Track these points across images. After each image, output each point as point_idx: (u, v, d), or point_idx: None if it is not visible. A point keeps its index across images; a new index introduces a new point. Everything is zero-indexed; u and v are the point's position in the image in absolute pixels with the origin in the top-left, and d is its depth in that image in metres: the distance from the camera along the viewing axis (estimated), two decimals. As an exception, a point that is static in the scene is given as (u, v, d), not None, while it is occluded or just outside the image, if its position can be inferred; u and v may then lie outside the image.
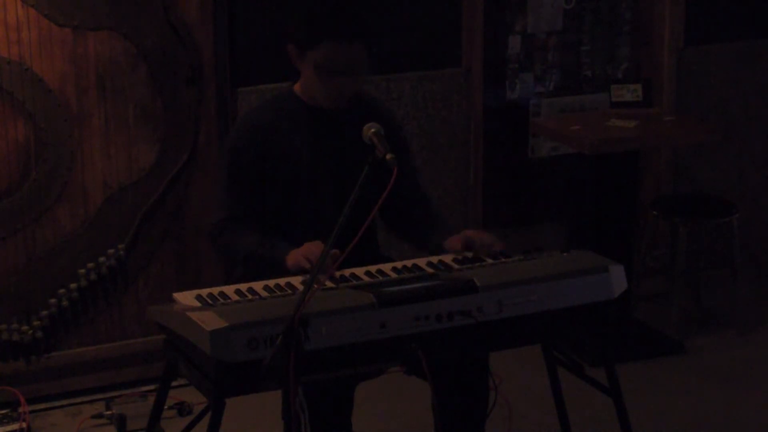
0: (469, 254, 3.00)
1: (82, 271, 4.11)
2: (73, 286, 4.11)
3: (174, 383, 3.07)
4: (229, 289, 2.79)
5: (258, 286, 2.81)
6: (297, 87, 3.14)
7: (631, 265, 4.54)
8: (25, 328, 4.07)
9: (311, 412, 2.82)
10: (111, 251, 4.14)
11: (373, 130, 2.78)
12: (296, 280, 2.83)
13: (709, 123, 5.01)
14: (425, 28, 4.62)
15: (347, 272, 2.88)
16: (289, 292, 2.76)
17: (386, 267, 2.94)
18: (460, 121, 4.74)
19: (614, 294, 2.86)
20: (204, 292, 2.78)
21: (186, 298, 2.76)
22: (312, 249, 2.86)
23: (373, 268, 2.92)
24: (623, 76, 5.12)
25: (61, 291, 4.10)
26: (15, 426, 3.89)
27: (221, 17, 4.17)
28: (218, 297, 2.74)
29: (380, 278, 2.85)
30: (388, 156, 2.70)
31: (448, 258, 3.00)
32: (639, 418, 3.71)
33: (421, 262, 2.98)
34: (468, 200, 4.82)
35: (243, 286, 2.80)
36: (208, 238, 3.20)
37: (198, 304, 2.71)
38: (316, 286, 2.50)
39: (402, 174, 2.66)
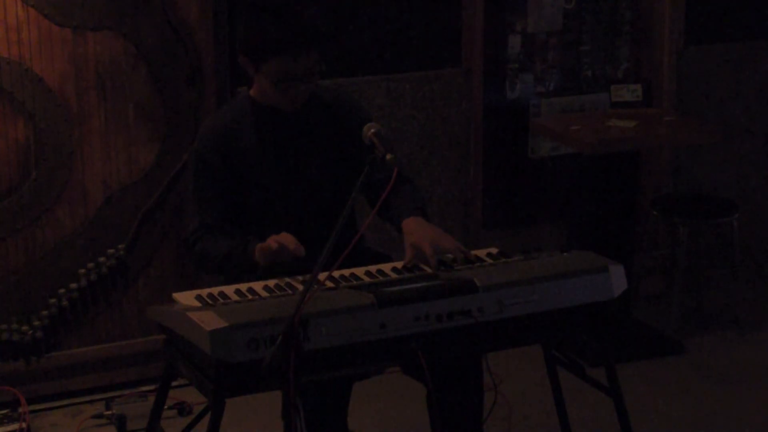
0: (450, 256, 2.96)
1: (82, 271, 4.11)
2: (73, 286, 4.11)
3: (174, 383, 3.07)
4: (229, 289, 2.79)
5: (258, 286, 2.81)
6: (253, 91, 3.14)
7: (631, 265, 4.54)
8: (25, 328, 4.07)
9: (307, 412, 2.83)
10: (111, 251, 4.14)
11: (373, 130, 2.79)
12: (296, 280, 2.83)
13: (709, 123, 5.01)
14: (425, 28, 4.62)
15: (347, 272, 2.88)
16: (289, 292, 2.76)
17: (386, 267, 2.94)
18: (460, 121, 4.74)
19: (614, 294, 2.85)
20: (204, 292, 2.78)
21: (186, 298, 2.76)
22: (279, 238, 2.86)
23: (373, 268, 2.92)
24: (623, 76, 5.12)
25: (61, 291, 4.10)
26: (15, 426, 3.89)
27: (221, 17, 4.17)
28: (218, 297, 2.75)
29: (380, 278, 2.85)
30: (388, 156, 2.71)
31: (448, 258, 3.00)
32: (639, 418, 3.71)
33: (421, 262, 2.98)
34: (468, 200, 4.82)
35: (243, 286, 2.81)
36: (184, 248, 3.19)
37: (198, 304, 2.71)
38: (315, 286, 2.50)
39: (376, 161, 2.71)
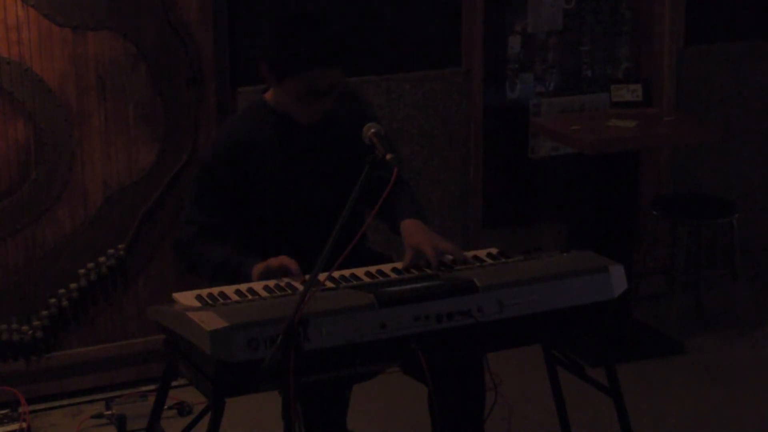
0: (449, 257, 2.96)
1: (82, 271, 4.11)
2: (73, 286, 4.11)
3: (174, 383, 3.07)
4: (229, 289, 2.79)
5: (258, 286, 2.81)
6: (269, 96, 3.10)
7: (631, 265, 4.54)
8: (25, 328, 4.07)
9: (305, 412, 2.82)
10: (111, 251, 4.14)
11: (373, 130, 2.78)
12: (296, 281, 2.83)
13: (709, 123, 5.01)
14: (425, 28, 4.62)
15: (347, 272, 2.88)
16: (289, 292, 2.76)
17: (386, 267, 2.94)
18: (460, 121, 4.74)
19: (614, 294, 2.85)
20: (204, 292, 2.78)
21: (186, 298, 2.76)
22: (278, 261, 2.86)
23: (373, 269, 2.92)
24: (623, 76, 5.12)
25: (61, 291, 4.10)
26: (15, 426, 3.89)
27: (221, 17, 4.17)
28: (218, 297, 2.74)
29: (380, 278, 2.85)
30: (388, 156, 2.70)
31: (447, 259, 3.00)
32: (639, 418, 3.71)
33: (421, 262, 2.98)
34: (468, 200, 4.82)
35: (243, 286, 2.81)
36: (174, 250, 3.17)
37: (198, 304, 2.71)
38: (314, 287, 2.50)
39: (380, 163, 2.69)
